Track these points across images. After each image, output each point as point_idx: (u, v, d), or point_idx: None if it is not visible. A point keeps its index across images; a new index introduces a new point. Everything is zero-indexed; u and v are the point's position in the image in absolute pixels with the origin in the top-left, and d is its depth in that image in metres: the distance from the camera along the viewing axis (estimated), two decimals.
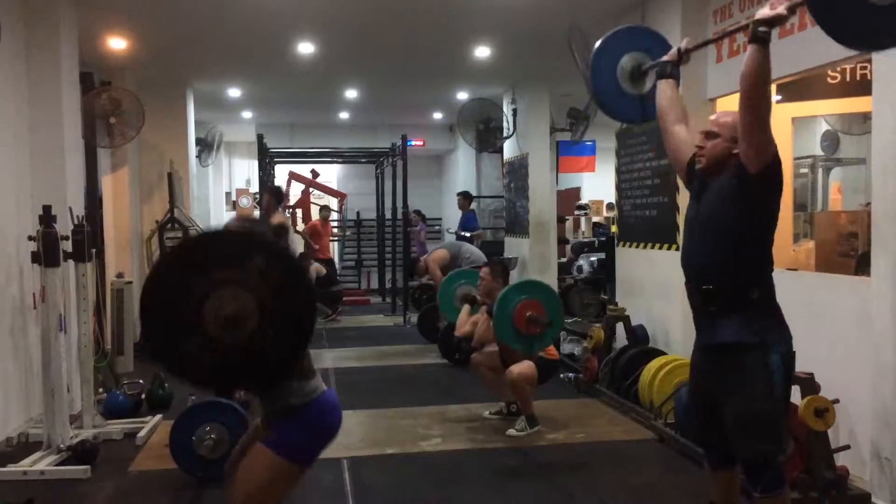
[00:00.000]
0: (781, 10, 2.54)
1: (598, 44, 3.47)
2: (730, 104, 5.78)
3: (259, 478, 2.50)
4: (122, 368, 7.11)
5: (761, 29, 2.60)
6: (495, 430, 5.24)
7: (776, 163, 2.69)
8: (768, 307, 2.75)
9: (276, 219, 10.50)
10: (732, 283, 2.73)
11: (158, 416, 5.52)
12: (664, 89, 3.10)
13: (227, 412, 4.20)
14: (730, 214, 2.74)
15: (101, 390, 5.81)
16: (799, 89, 6.20)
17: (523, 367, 5.09)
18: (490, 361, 5.40)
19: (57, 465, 4.46)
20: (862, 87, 5.90)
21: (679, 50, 3.07)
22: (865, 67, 5.76)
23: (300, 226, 12.38)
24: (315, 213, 12.61)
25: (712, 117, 2.93)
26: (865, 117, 6.44)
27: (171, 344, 2.28)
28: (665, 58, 3.10)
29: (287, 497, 2.57)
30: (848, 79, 6.23)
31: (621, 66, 3.40)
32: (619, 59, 3.40)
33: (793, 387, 3.51)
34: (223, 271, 2.24)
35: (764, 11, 2.58)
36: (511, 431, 5.14)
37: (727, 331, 2.73)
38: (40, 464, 4.43)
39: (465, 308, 5.75)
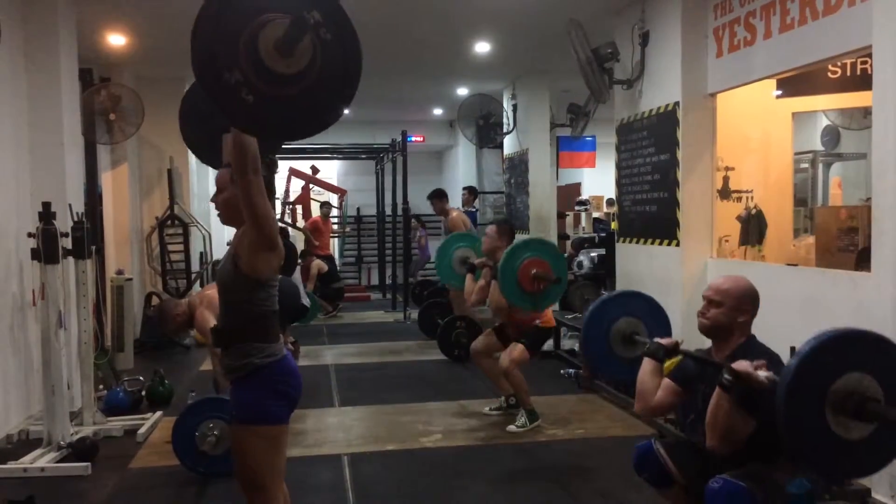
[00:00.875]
0: (760, 376, 2.47)
1: (594, 305, 3.50)
2: (730, 98, 5.79)
3: (251, 454, 2.55)
4: (122, 365, 7.11)
5: (727, 377, 2.54)
6: (496, 426, 5.25)
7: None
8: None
9: None
10: (758, 451, 2.68)
11: (159, 413, 5.53)
12: (650, 369, 3.04)
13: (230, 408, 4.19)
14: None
15: (101, 387, 5.82)
16: (799, 84, 6.19)
17: (514, 353, 5.12)
18: (488, 348, 5.39)
19: (57, 462, 4.47)
20: (862, 81, 5.89)
21: (678, 345, 3.03)
22: (866, 62, 5.75)
23: (300, 222, 12.37)
24: (315, 210, 12.60)
25: (713, 284, 2.94)
26: (866, 112, 6.43)
27: (218, 74, 2.22)
28: (663, 341, 3.05)
29: (285, 457, 2.65)
30: (848, 73, 6.22)
31: (615, 330, 3.41)
32: (615, 323, 3.41)
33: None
34: (280, 14, 2.17)
35: (743, 364, 2.53)
36: (511, 427, 5.14)
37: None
38: (41, 461, 4.43)
39: (469, 277, 5.71)
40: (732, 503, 2.55)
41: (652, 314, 3.51)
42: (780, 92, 6.35)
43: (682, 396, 2.97)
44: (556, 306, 9.26)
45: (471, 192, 11.09)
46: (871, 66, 3.94)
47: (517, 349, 5.14)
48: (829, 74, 6.29)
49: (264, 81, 2.19)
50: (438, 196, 9.03)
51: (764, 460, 2.69)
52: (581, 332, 3.52)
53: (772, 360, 2.60)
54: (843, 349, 2.31)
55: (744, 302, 2.85)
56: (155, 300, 8.61)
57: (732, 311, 2.84)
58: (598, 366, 3.52)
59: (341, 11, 2.32)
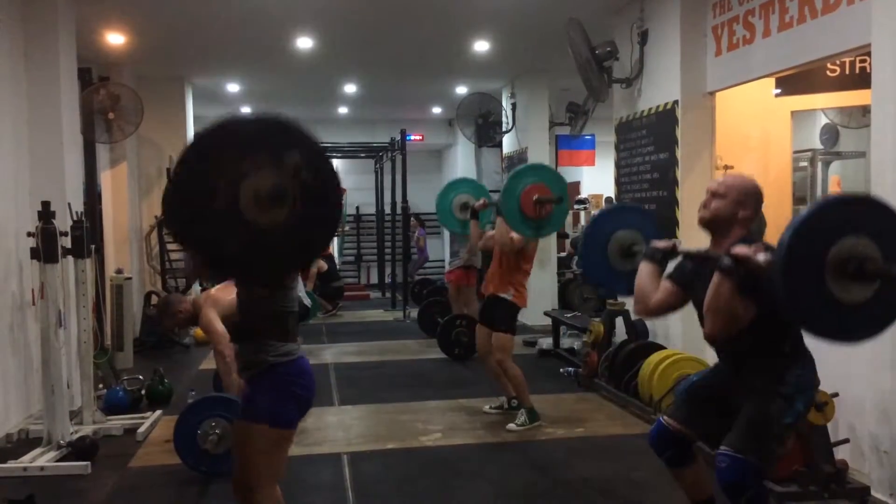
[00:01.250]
0: (759, 258, 2.45)
1: (590, 221, 3.50)
2: (729, 97, 5.79)
3: (252, 452, 2.56)
4: (121, 364, 7.11)
5: (726, 262, 2.55)
6: (495, 425, 5.25)
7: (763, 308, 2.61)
8: (800, 358, 2.76)
9: None
10: (766, 340, 2.73)
11: (158, 412, 5.53)
12: (648, 271, 3.03)
13: (232, 406, 4.20)
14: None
15: (100, 386, 5.81)
16: (798, 82, 6.19)
17: (497, 342, 5.14)
18: (486, 341, 5.35)
19: (57, 461, 4.47)
20: (861, 80, 5.89)
21: (675, 246, 3.03)
22: (865, 61, 5.75)
23: None
24: None
25: (720, 179, 2.92)
26: (865, 110, 6.43)
27: (196, 218, 2.17)
28: (660, 244, 3.05)
29: (285, 461, 2.65)
30: (847, 72, 6.22)
31: (613, 242, 3.39)
32: (612, 235, 3.39)
33: None
34: (262, 157, 2.15)
35: (742, 248, 2.52)
36: (511, 426, 5.14)
37: (756, 376, 2.76)
38: (40, 460, 4.43)
39: (473, 223, 5.67)
40: (739, 478, 2.62)
41: (649, 224, 3.47)
42: (779, 90, 6.35)
43: (680, 297, 2.97)
44: (553, 304, 9.29)
45: None
46: (870, 64, 3.94)
47: (499, 339, 5.15)
48: (828, 73, 6.29)
49: (244, 233, 2.17)
50: None
51: (766, 354, 2.72)
52: (579, 248, 3.48)
53: (770, 249, 2.54)
54: (837, 214, 2.33)
55: (748, 196, 2.81)
56: (154, 299, 8.61)
57: (735, 204, 2.80)
58: (598, 281, 3.48)
59: (319, 150, 2.31)
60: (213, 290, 3.70)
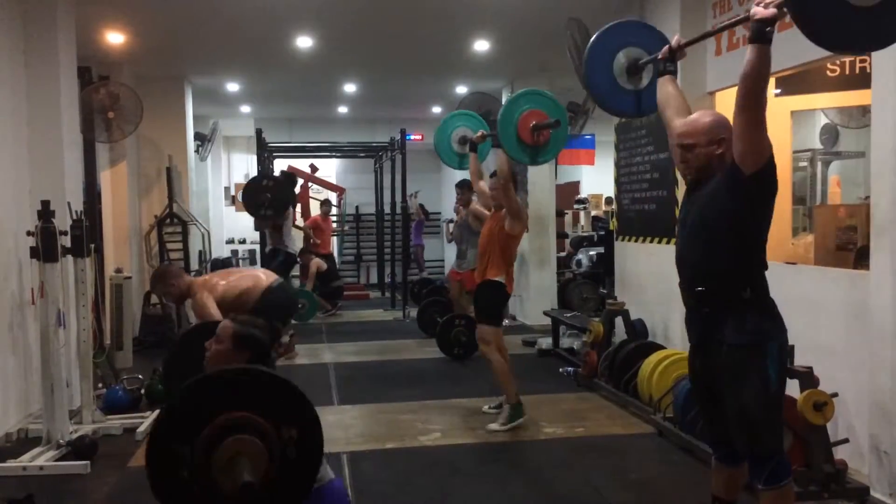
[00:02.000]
0: (773, 9, 2.51)
1: (593, 38, 3.45)
2: (729, 97, 5.77)
3: None
4: (121, 364, 7.09)
5: (768, 29, 2.54)
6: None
7: (771, 164, 2.65)
8: (760, 305, 2.74)
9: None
10: (725, 285, 2.74)
11: (158, 411, 5.52)
12: (662, 84, 3.11)
13: None
14: (722, 216, 2.72)
15: (100, 385, 5.82)
16: (798, 82, 6.19)
17: (480, 335, 5.17)
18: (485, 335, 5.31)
19: (56, 460, 4.47)
20: (861, 80, 5.89)
21: (670, 47, 3.06)
22: (865, 60, 5.75)
23: (300, 221, 12.37)
24: (314, 208, 12.60)
25: (680, 129, 2.87)
26: (865, 110, 6.43)
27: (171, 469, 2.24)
28: (658, 56, 3.08)
29: None
30: (847, 72, 6.22)
31: (617, 61, 3.37)
32: (616, 54, 3.37)
33: (791, 380, 3.54)
34: (222, 416, 2.20)
35: (760, 10, 2.53)
36: (492, 426, 5.10)
37: (721, 331, 2.75)
38: (40, 459, 4.43)
39: (473, 157, 5.63)
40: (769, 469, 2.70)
41: (651, 38, 3.41)
42: (778, 90, 6.35)
43: None
44: (553, 304, 9.29)
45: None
46: (870, 64, 3.94)
47: (482, 331, 5.16)
48: (828, 73, 6.30)
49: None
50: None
51: (729, 301, 2.72)
52: (584, 68, 3.40)
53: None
54: None
55: (717, 132, 2.76)
56: (154, 299, 8.62)
57: (709, 145, 2.76)
58: (605, 102, 3.42)
59: (317, 429, 2.35)
60: (207, 276, 3.62)
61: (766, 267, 2.78)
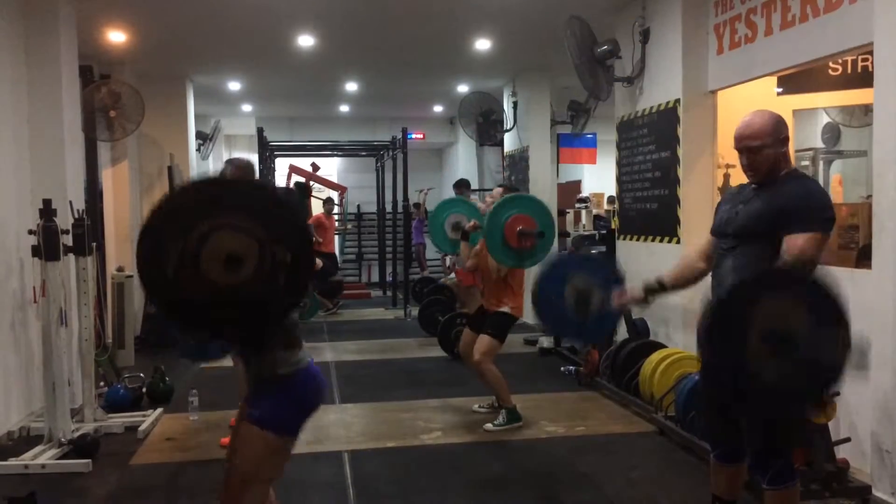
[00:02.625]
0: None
1: (543, 269, 3.54)
2: (731, 95, 5.78)
3: (251, 455, 2.51)
4: (122, 362, 7.12)
5: None
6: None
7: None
8: None
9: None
10: None
11: (159, 410, 5.53)
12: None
13: None
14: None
15: (102, 384, 5.82)
16: (800, 81, 6.19)
17: (482, 346, 5.12)
18: (468, 345, 5.33)
19: (58, 458, 4.47)
20: (863, 79, 5.88)
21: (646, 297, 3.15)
22: (867, 59, 5.74)
23: None
24: (316, 207, 12.60)
25: (743, 133, 2.85)
26: (867, 109, 6.42)
27: (168, 289, 2.22)
28: (629, 298, 3.14)
29: (281, 469, 2.58)
30: (849, 71, 6.21)
31: (569, 291, 3.36)
32: (566, 284, 3.37)
33: None
34: (220, 217, 2.19)
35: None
36: (488, 426, 5.11)
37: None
38: (42, 457, 4.43)
39: (464, 245, 5.66)
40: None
41: (601, 269, 3.47)
42: (780, 89, 6.34)
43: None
44: None
45: (460, 186, 11.11)
46: (871, 63, 3.93)
47: (484, 341, 5.13)
48: (830, 72, 6.29)
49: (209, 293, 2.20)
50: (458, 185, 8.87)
51: None
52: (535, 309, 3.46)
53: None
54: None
55: (779, 130, 2.79)
56: None
57: (775, 145, 2.78)
58: (558, 333, 3.48)
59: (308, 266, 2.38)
60: None
61: None
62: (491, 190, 10.73)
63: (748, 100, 6.15)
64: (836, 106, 7.14)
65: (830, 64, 6.11)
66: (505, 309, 5.21)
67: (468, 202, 6.68)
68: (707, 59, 5.68)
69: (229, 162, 4.20)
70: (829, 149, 7.81)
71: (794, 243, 2.68)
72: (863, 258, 4.71)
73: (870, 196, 4.44)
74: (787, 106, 6.51)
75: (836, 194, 7.66)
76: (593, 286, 3.29)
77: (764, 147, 2.77)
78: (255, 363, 2.55)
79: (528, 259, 5.07)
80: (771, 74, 5.35)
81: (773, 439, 2.75)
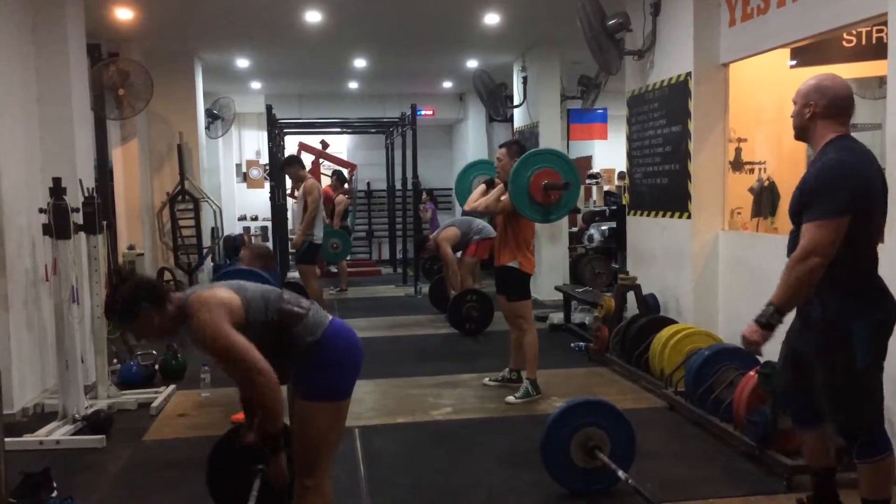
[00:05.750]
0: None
1: (554, 415, 3.65)
2: (743, 68, 5.71)
3: (315, 431, 2.58)
4: (134, 340, 7.16)
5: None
6: (503, 399, 5.26)
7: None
8: (855, 285, 2.79)
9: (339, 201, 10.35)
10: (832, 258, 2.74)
11: (172, 387, 5.58)
12: None
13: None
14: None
15: (114, 361, 5.87)
16: (813, 53, 6.09)
17: (513, 313, 5.20)
18: (506, 309, 5.37)
19: (72, 434, 4.52)
20: (878, 50, 5.79)
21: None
22: (881, 31, 5.65)
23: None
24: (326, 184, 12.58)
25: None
26: (881, 81, 6.33)
27: None
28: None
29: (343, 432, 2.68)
30: (864, 42, 6.12)
31: (575, 440, 3.55)
32: (574, 434, 3.55)
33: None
34: None
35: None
36: (510, 398, 5.17)
37: (812, 307, 2.83)
38: (56, 434, 4.49)
39: (480, 188, 5.56)
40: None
41: (615, 423, 3.63)
42: (793, 61, 6.25)
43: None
44: (564, 279, 9.27)
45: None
46: (886, 34, 3.87)
47: (515, 308, 5.19)
48: (844, 43, 6.19)
49: None
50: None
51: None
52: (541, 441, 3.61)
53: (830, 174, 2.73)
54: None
55: (806, 95, 2.93)
56: (167, 275, 8.66)
57: (802, 108, 2.92)
58: (561, 482, 3.61)
59: None
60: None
61: (868, 248, 2.84)
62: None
63: (761, 73, 6.08)
64: (851, 78, 7.03)
65: (844, 35, 6.01)
66: (513, 263, 5.16)
67: (490, 162, 6.66)
68: (719, 32, 5.61)
69: (247, 248, 4.41)
70: None
71: (803, 235, 2.76)
72: None
73: (884, 169, 4.39)
74: (800, 78, 6.41)
75: None
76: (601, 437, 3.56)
77: (795, 104, 2.98)
78: (288, 356, 2.56)
79: (556, 213, 5.08)
80: (784, 46, 5.27)
81: (838, 416, 2.83)
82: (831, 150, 2.81)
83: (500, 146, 5.54)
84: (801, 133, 2.94)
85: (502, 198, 5.20)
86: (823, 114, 2.85)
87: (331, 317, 2.65)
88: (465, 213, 9.79)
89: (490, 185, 5.54)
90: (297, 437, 2.63)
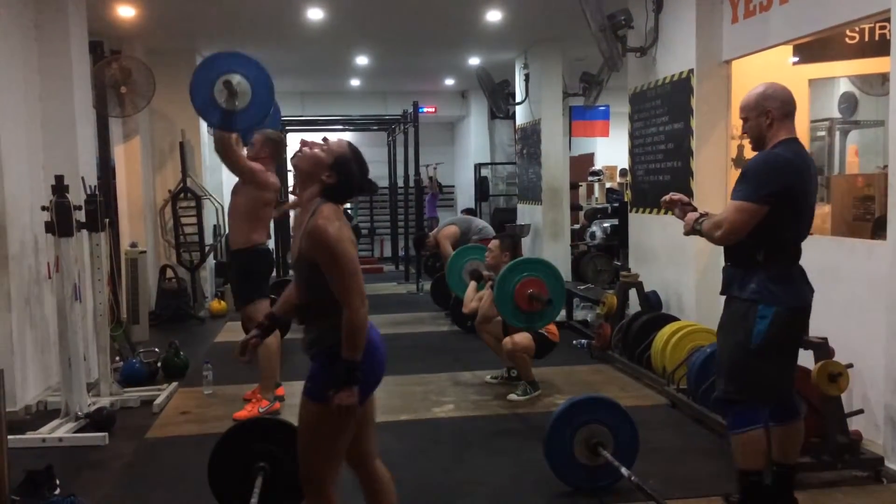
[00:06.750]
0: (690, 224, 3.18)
1: (557, 411, 3.69)
2: (745, 65, 5.70)
3: (320, 435, 2.50)
4: (137, 337, 7.19)
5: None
6: (505, 397, 5.26)
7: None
8: (773, 272, 2.98)
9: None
10: (742, 246, 3.02)
11: (174, 384, 5.59)
12: None
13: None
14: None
15: (117, 359, 5.88)
16: (816, 50, 6.08)
17: (521, 339, 5.15)
18: (494, 329, 5.44)
19: (75, 432, 4.53)
20: (881, 47, 5.78)
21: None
22: (885, 27, 5.64)
23: None
24: None
25: (740, 104, 3.17)
26: (884, 78, 6.32)
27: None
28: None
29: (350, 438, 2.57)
30: (867, 39, 6.10)
31: (578, 437, 3.61)
32: (577, 430, 3.61)
33: (806, 351, 3.53)
34: None
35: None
36: (512, 396, 5.20)
37: (732, 288, 3.09)
38: (59, 431, 4.50)
39: (472, 285, 5.74)
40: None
41: (618, 420, 3.68)
42: (796, 58, 6.24)
43: None
44: (566, 276, 9.27)
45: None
46: (889, 31, 3.86)
47: (524, 334, 5.17)
48: (847, 40, 6.18)
49: None
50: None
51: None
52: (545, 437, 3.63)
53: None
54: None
55: (757, 105, 3.03)
56: (169, 272, 8.67)
57: (758, 118, 3.03)
58: (564, 479, 3.63)
59: None
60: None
61: (791, 236, 3.04)
62: (500, 169, 10.73)
63: (763, 70, 6.06)
64: (853, 75, 7.03)
65: (847, 32, 6.00)
66: (543, 332, 5.24)
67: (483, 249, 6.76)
68: (721, 29, 5.60)
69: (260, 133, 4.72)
70: (845, 119, 7.70)
71: (726, 208, 3.01)
72: (879, 229, 4.66)
73: (886, 166, 4.39)
74: (802, 75, 6.41)
75: (853, 165, 7.57)
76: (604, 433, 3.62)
77: (748, 119, 3.08)
78: (314, 329, 2.52)
79: (539, 321, 5.12)
80: (786, 43, 5.25)
81: (719, 389, 3.13)
82: (778, 147, 3.02)
83: (494, 237, 5.67)
84: (760, 142, 3.08)
85: (483, 303, 5.40)
86: (779, 117, 3.02)
87: (371, 323, 2.54)
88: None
89: (477, 278, 5.70)
90: (300, 441, 2.57)
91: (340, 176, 2.52)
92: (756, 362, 2.99)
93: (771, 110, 3.00)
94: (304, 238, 2.44)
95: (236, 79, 4.46)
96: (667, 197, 3.28)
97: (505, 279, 5.01)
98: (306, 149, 2.55)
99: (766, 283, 2.96)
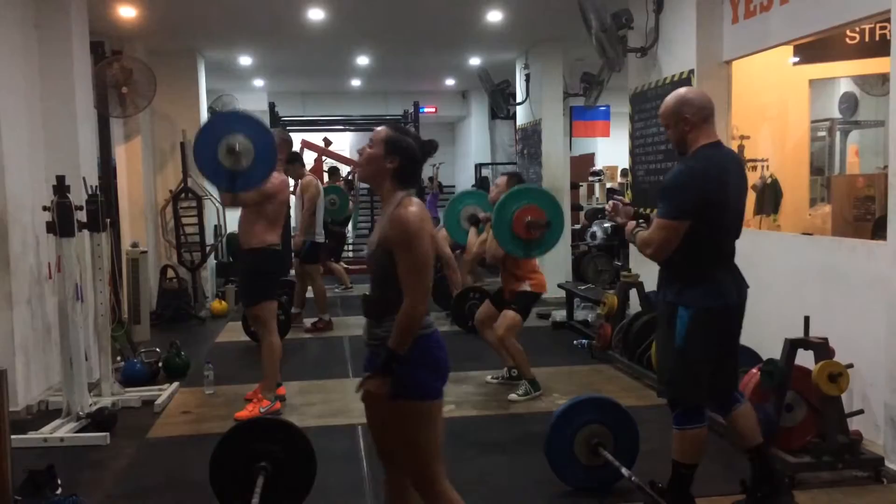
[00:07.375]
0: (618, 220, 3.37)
1: (555, 414, 3.72)
2: (746, 65, 5.70)
3: (410, 435, 2.48)
4: (138, 337, 7.19)
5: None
6: (505, 397, 5.26)
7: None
8: (692, 277, 3.07)
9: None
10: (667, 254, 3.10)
11: (175, 384, 5.60)
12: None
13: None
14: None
15: (118, 359, 5.89)
16: (816, 50, 6.09)
17: (505, 319, 5.17)
18: (487, 316, 5.43)
19: (76, 432, 4.54)
20: (881, 47, 5.79)
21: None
22: (885, 27, 5.65)
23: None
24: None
25: (659, 112, 3.24)
26: (885, 79, 6.33)
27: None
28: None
29: (440, 435, 2.54)
30: (867, 39, 6.11)
31: (579, 436, 3.64)
32: (578, 430, 3.63)
33: (806, 351, 3.54)
34: None
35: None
36: (512, 396, 5.20)
37: (660, 292, 3.25)
38: (60, 431, 4.51)
39: (472, 230, 5.75)
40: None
41: (618, 420, 3.71)
42: (796, 59, 6.25)
43: None
44: (567, 276, 9.28)
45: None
46: (889, 31, 3.86)
47: (508, 316, 5.18)
48: (847, 40, 6.19)
49: None
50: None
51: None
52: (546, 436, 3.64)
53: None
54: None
55: (675, 112, 3.08)
56: (170, 272, 8.68)
57: (677, 124, 3.08)
58: (563, 478, 3.65)
59: None
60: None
61: (711, 242, 3.09)
62: (503, 165, 10.71)
63: (764, 70, 6.08)
64: (854, 75, 7.03)
65: (847, 32, 6.01)
66: (525, 287, 5.24)
67: (484, 195, 6.72)
68: (722, 29, 5.60)
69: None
70: (846, 119, 7.71)
71: (652, 226, 3.11)
72: (879, 229, 4.67)
73: (886, 167, 4.39)
74: (803, 76, 6.43)
75: (853, 165, 7.58)
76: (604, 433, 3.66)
77: (668, 127, 3.15)
78: (382, 325, 2.51)
79: (537, 249, 5.13)
80: (787, 44, 5.26)
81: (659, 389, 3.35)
82: (692, 158, 3.07)
83: (503, 174, 5.67)
84: (682, 147, 3.12)
85: (488, 244, 5.35)
86: (697, 122, 3.06)
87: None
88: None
89: (475, 222, 5.71)
90: (401, 450, 2.55)
91: (398, 155, 2.50)
92: (682, 363, 3.08)
93: (688, 116, 3.05)
94: (385, 226, 2.45)
95: (238, 139, 4.40)
96: (608, 205, 3.46)
97: (504, 206, 5.00)
98: (359, 158, 2.58)
99: (683, 286, 3.07)
